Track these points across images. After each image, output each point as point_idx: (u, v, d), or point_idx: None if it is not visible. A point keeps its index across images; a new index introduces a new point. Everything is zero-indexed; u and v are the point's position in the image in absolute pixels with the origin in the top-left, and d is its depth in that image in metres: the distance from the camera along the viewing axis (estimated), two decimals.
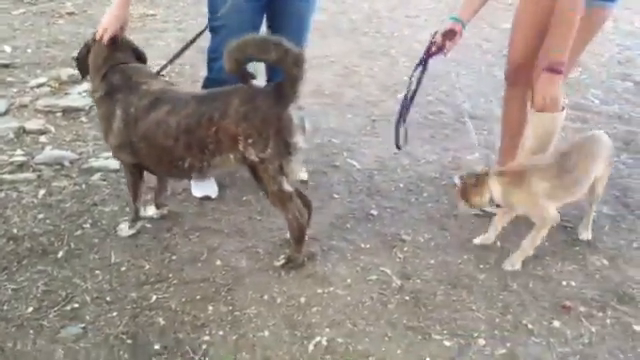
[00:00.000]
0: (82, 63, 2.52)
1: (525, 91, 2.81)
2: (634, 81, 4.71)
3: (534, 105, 2.62)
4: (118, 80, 2.39)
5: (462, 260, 2.57)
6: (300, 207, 2.42)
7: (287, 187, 2.32)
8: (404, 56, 4.77)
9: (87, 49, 2.49)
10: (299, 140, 2.27)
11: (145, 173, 2.61)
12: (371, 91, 4.21)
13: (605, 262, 2.57)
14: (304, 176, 3.09)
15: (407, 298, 2.34)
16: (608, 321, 2.25)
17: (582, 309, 2.31)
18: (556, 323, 2.24)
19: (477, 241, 2.66)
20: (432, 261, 2.56)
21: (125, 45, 2.51)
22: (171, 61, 2.72)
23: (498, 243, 2.67)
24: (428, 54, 2.75)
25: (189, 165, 2.35)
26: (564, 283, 2.44)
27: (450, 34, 2.70)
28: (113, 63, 2.43)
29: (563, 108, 2.68)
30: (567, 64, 2.53)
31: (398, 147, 2.79)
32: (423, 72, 2.77)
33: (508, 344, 2.14)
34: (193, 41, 2.68)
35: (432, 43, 2.73)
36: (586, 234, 2.69)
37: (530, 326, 2.22)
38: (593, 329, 2.21)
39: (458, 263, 2.55)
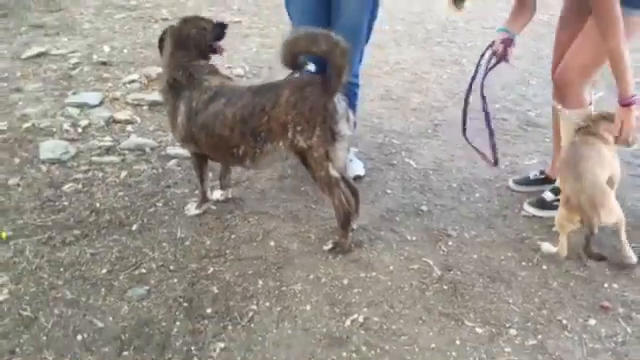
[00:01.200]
0: (160, 49, 2.84)
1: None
2: None
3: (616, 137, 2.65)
4: (181, 77, 2.66)
5: (505, 257, 2.63)
6: (347, 194, 2.60)
7: (333, 172, 2.50)
8: (475, 65, 4.81)
9: (162, 40, 2.81)
10: (343, 128, 2.45)
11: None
12: (437, 97, 4.31)
13: None
14: (361, 172, 3.25)
15: (445, 287, 2.45)
16: None
17: (621, 310, 2.32)
18: (592, 321, 2.27)
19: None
20: (475, 256, 2.64)
21: (190, 42, 2.73)
22: None
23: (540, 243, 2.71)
24: (489, 66, 2.87)
25: (243, 152, 2.58)
26: (606, 285, 2.45)
27: (508, 42, 2.79)
28: (177, 62, 2.69)
29: (590, 103, 2.80)
30: (596, 65, 2.69)
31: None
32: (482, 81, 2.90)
33: (539, 336, 2.20)
34: None
35: (494, 53, 2.82)
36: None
37: (564, 322, 2.26)
38: (629, 329, 2.23)
39: (501, 259, 2.62)
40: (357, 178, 3.21)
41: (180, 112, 2.67)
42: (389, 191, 3.15)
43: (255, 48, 5.28)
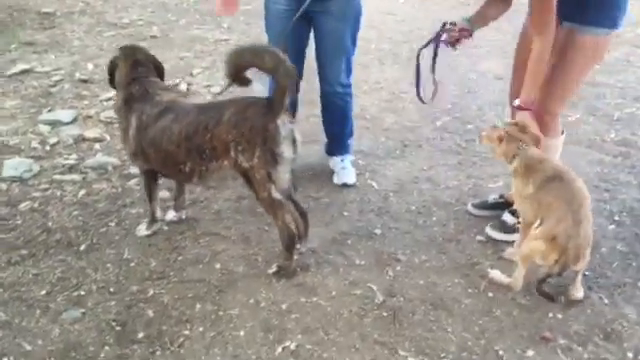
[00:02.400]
0: (111, 76, 2.80)
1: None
2: None
3: None
4: (136, 92, 2.65)
5: (452, 283, 2.57)
6: (295, 216, 2.59)
7: (276, 195, 2.47)
8: (454, 85, 4.77)
9: (114, 65, 2.77)
10: (285, 150, 2.42)
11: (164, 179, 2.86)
12: (411, 117, 4.26)
13: (603, 298, 2.47)
14: (350, 180, 3.35)
15: (385, 314, 2.39)
16: (586, 356, 2.18)
17: (562, 341, 2.24)
18: (530, 352, 2.20)
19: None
20: (421, 282, 2.58)
21: (147, 60, 2.76)
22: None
23: (490, 270, 2.65)
24: (438, 40, 2.81)
25: (190, 169, 2.56)
26: (550, 315, 2.38)
27: (466, 32, 2.77)
28: (134, 77, 2.69)
29: (562, 132, 2.80)
30: (576, 89, 2.72)
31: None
32: (434, 59, 2.86)
33: None
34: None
35: (446, 30, 2.77)
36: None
37: (501, 352, 2.20)
38: None
39: (447, 286, 2.55)
40: (344, 186, 3.32)
41: (132, 126, 2.66)
42: (346, 213, 3.10)
43: None
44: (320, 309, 2.42)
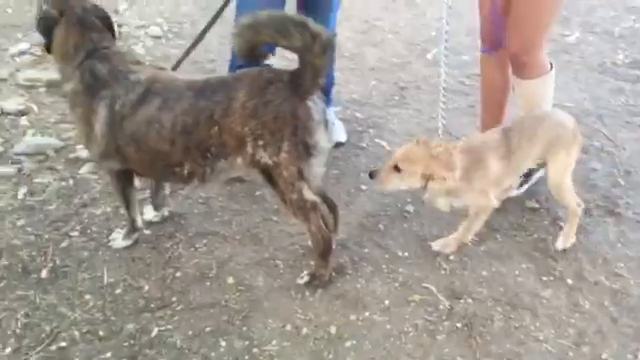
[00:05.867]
0: (47, 36, 2.02)
1: (505, 54, 2.46)
2: None
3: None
4: (101, 71, 1.92)
5: (520, 270, 2.15)
6: (324, 212, 2.06)
7: (309, 195, 1.90)
8: (431, 6, 4.21)
9: (49, 20, 1.98)
10: (321, 139, 1.85)
11: None
12: (397, 50, 3.69)
13: None
14: (342, 137, 2.84)
15: (459, 325, 1.95)
16: None
17: None
18: None
19: None
20: (484, 272, 2.15)
21: (92, 14, 1.99)
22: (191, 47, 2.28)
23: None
24: None
25: (189, 171, 1.93)
26: None
27: None
28: (91, 48, 1.95)
29: (551, 68, 2.42)
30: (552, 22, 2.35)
31: None
32: None
33: None
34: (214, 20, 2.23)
35: None
36: (561, 243, 2.22)
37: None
38: None
39: (516, 275, 2.14)
40: (338, 145, 2.78)
41: (99, 118, 1.95)
42: (364, 187, 2.57)
43: None
44: (378, 328, 1.94)
